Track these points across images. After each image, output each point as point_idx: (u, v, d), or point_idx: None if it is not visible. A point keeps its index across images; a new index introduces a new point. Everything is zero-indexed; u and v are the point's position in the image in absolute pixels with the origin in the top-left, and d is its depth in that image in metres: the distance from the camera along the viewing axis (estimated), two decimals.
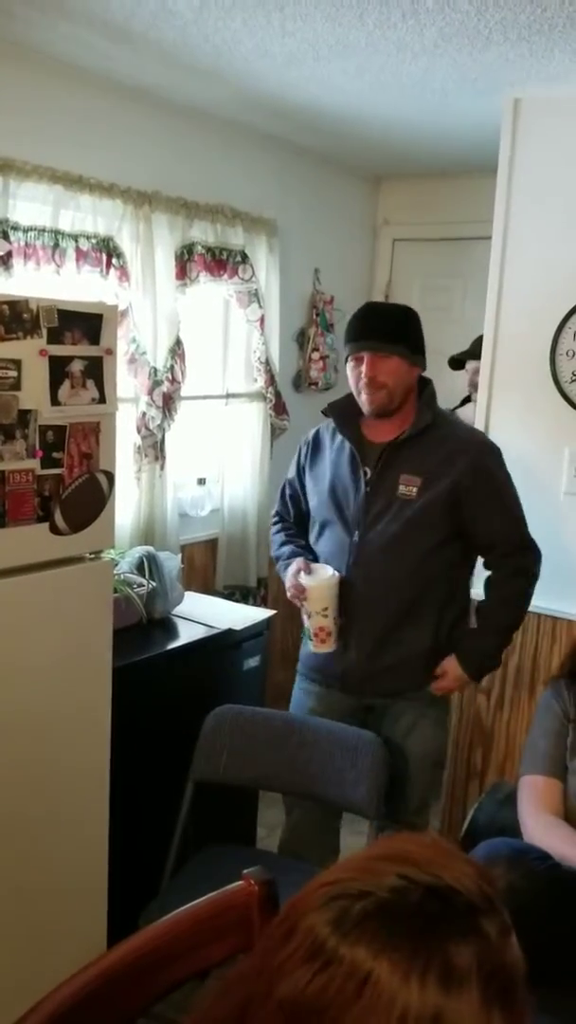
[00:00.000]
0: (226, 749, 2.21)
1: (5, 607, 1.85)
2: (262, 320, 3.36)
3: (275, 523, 2.53)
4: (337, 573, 2.24)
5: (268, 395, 3.45)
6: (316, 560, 2.34)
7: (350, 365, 2.22)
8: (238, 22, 2.22)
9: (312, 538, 2.40)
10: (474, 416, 2.94)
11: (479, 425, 2.86)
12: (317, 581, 2.22)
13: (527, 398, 2.77)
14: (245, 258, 3.24)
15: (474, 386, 3.00)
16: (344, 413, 2.30)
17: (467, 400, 3.21)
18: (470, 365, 3.07)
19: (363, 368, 2.16)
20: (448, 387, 3.71)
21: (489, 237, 2.82)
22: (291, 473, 2.48)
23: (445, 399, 3.61)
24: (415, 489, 2.18)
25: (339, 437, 2.31)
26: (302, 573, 2.24)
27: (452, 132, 3.16)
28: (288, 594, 2.30)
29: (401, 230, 4.05)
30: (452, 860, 0.73)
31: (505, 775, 2.87)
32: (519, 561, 2.29)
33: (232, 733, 2.23)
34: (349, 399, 2.29)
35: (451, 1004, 0.65)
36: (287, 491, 2.50)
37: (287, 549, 2.41)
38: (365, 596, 2.24)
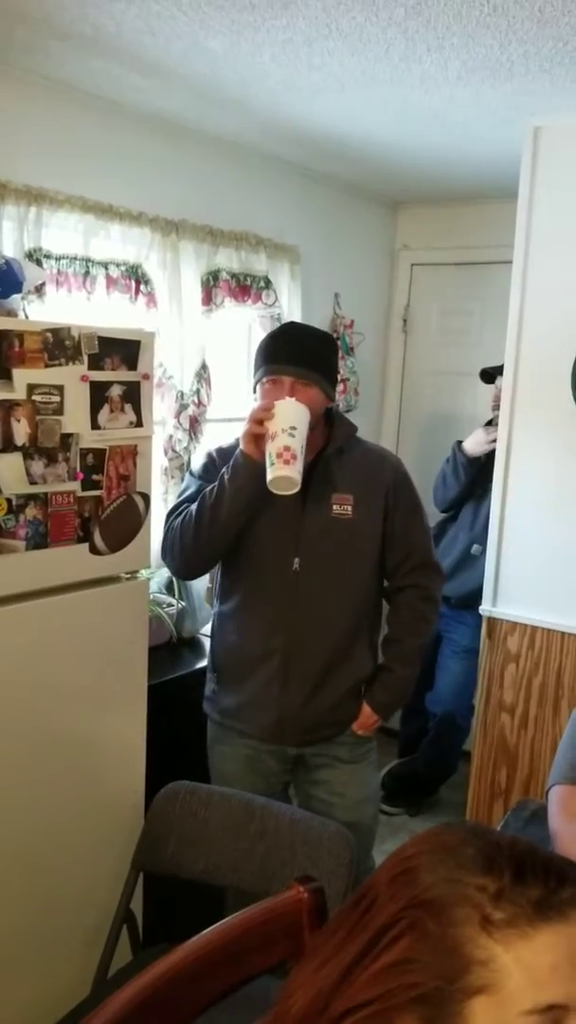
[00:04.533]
0: (174, 834, 1.94)
1: (47, 625, 1.89)
2: None
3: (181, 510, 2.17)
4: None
5: None
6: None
7: (264, 387, 2.05)
8: (267, 56, 2.29)
9: (221, 574, 2.21)
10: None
11: (500, 447, 2.90)
12: (287, 401, 1.96)
13: (549, 420, 2.81)
14: (268, 284, 3.31)
15: (498, 403, 3.02)
16: None
17: (490, 423, 3.22)
18: (499, 382, 3.08)
19: (284, 392, 1.99)
20: (470, 408, 3.78)
21: (507, 261, 2.87)
22: (202, 479, 2.16)
23: (471, 418, 3.66)
24: (349, 508, 2.09)
25: None
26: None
27: (471, 159, 3.22)
28: (249, 425, 1.97)
29: (419, 255, 4.11)
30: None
31: (530, 794, 2.88)
32: (427, 583, 2.21)
33: (183, 816, 1.95)
34: None
35: None
36: (191, 492, 2.16)
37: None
38: (306, 629, 2.10)
